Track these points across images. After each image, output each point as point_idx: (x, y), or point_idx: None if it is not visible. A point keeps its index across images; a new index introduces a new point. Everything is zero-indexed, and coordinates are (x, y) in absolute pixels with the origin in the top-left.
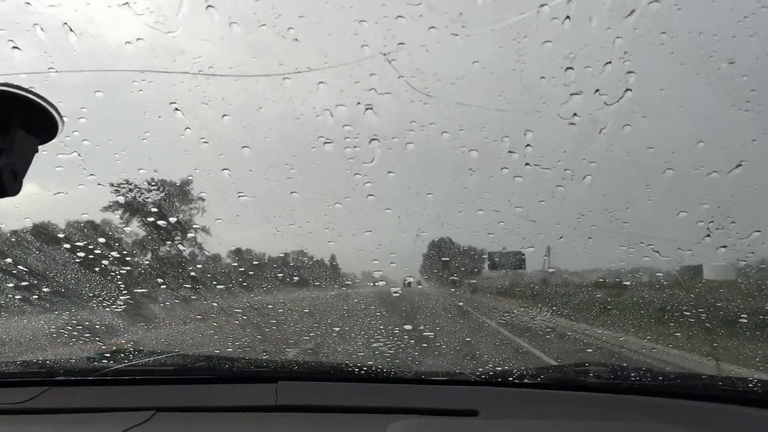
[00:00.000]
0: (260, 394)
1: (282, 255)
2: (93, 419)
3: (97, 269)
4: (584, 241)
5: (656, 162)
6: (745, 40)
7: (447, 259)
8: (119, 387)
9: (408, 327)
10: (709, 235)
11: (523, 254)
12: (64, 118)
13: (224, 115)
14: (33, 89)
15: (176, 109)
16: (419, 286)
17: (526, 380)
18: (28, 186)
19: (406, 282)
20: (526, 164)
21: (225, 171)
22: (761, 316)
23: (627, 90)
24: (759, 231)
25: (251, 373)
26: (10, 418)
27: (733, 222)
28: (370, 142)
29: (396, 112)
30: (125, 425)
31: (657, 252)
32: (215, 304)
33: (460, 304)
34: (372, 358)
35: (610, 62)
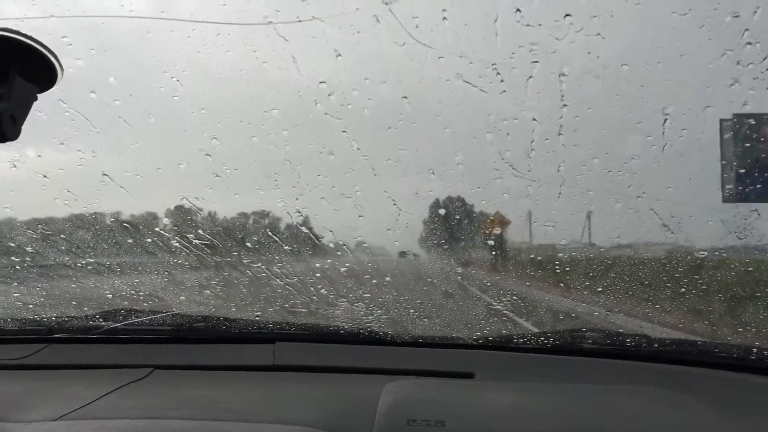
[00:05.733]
0: (258, 354)
1: (260, 219)
2: (91, 375)
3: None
4: (582, 199)
5: (655, 115)
6: None
7: (450, 223)
8: (117, 345)
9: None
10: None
11: None
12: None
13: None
14: (33, 36)
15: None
16: (414, 258)
17: (522, 344)
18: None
19: (400, 252)
20: (532, 119)
21: (217, 123)
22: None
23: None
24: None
25: (249, 334)
26: (8, 373)
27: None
28: (367, 98)
29: (395, 61)
30: (123, 381)
31: (657, 214)
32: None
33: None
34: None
35: (611, 11)
